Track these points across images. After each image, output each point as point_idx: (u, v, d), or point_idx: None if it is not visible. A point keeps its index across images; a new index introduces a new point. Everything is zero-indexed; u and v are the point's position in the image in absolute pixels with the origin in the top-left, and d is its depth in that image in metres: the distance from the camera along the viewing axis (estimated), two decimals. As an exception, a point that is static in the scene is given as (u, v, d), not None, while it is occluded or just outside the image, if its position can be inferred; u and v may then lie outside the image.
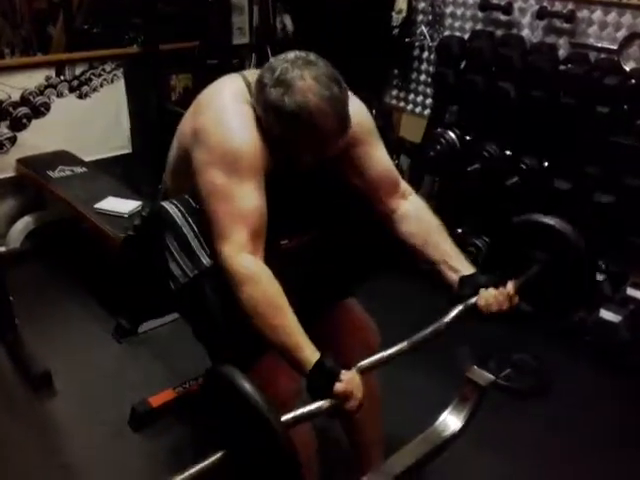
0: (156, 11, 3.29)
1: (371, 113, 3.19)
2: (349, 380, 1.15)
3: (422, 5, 3.08)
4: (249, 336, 1.24)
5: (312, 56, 1.27)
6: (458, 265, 1.42)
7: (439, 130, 2.88)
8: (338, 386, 1.13)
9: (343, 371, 1.16)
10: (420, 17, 3.10)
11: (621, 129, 2.32)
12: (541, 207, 2.51)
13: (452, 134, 2.84)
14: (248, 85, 1.34)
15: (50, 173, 2.86)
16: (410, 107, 3.31)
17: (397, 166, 3.18)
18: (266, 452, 1.03)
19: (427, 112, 3.20)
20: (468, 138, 2.82)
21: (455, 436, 1.52)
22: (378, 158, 1.48)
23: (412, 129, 3.25)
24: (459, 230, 2.88)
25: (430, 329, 1.34)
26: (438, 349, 2.29)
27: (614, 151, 2.36)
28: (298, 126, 1.25)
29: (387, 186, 1.49)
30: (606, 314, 2.44)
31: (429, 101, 3.19)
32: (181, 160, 1.39)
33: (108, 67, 3.25)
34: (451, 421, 1.54)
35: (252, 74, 1.35)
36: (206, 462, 1.07)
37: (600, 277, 2.55)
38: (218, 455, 1.07)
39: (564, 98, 2.43)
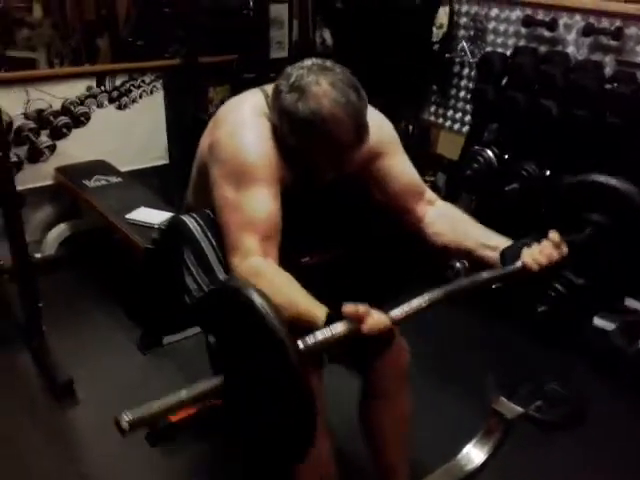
0: (198, 24, 3.33)
1: (407, 129, 3.18)
2: (358, 305, 1.05)
3: (464, 20, 3.02)
4: None
5: (329, 62, 1.25)
6: (495, 243, 1.32)
7: (477, 148, 2.80)
8: (348, 306, 1.04)
9: None
10: (461, 32, 3.04)
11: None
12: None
13: (490, 152, 2.75)
14: (267, 98, 1.32)
15: (86, 182, 2.89)
16: (448, 124, 3.24)
17: (434, 183, 3.13)
18: (276, 379, 0.94)
19: (465, 129, 3.12)
20: (506, 157, 2.73)
21: (478, 470, 1.45)
22: (402, 169, 1.45)
23: (450, 146, 3.18)
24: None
25: (467, 280, 1.22)
26: (470, 374, 2.25)
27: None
28: (312, 133, 1.21)
29: (413, 196, 1.45)
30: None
31: (468, 118, 3.12)
32: (200, 175, 1.38)
33: (148, 78, 3.30)
34: (474, 454, 1.47)
35: (272, 87, 1.33)
36: (204, 385, 0.98)
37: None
38: (218, 379, 0.99)
39: (609, 118, 2.33)
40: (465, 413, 2.08)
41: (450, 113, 3.23)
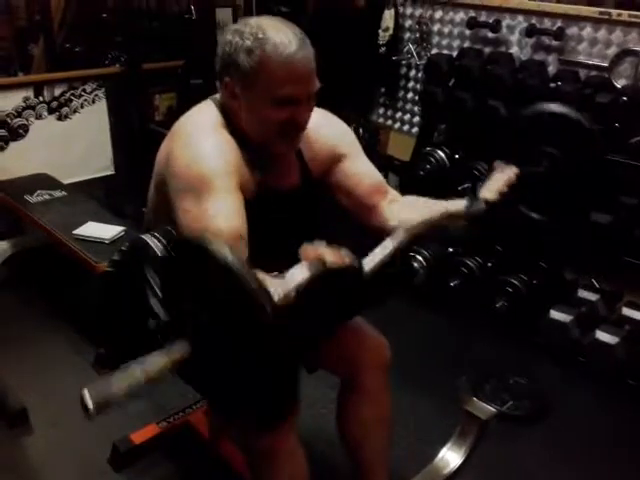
0: (139, 29, 3.24)
1: (358, 131, 3.18)
2: (315, 245, 1.06)
3: (409, 23, 3.05)
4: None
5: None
6: (458, 203, 1.38)
7: (428, 149, 2.83)
8: (305, 249, 1.05)
9: None
10: (407, 35, 3.07)
11: (614, 147, 2.28)
12: (534, 226, 2.51)
13: (441, 153, 2.79)
14: (220, 107, 1.30)
15: (28, 197, 2.77)
16: (398, 125, 3.27)
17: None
18: (252, 336, 0.90)
19: (415, 130, 3.16)
20: (457, 157, 2.77)
21: (455, 472, 1.45)
22: (365, 171, 1.45)
23: (400, 148, 3.20)
24: (450, 250, 2.82)
25: (428, 216, 1.30)
26: (441, 380, 2.26)
27: (608, 169, 2.32)
28: (254, 48, 1.19)
29: (378, 192, 1.45)
30: (602, 335, 2.38)
31: (417, 119, 3.15)
32: (158, 190, 1.34)
33: (89, 87, 3.19)
34: (451, 457, 1.47)
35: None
36: (168, 354, 0.91)
37: (594, 297, 2.51)
38: (182, 344, 0.92)
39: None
40: (434, 415, 2.10)
41: (399, 115, 3.25)
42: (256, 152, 1.29)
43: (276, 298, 0.93)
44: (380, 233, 1.42)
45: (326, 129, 1.41)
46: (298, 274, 1.01)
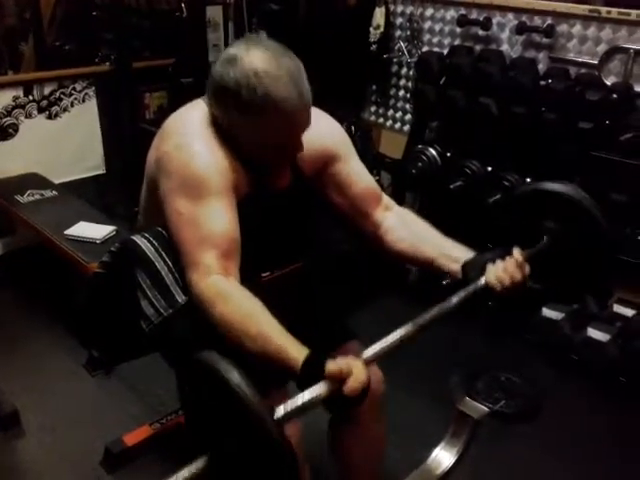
0: (129, 27, 3.21)
1: (350, 129, 3.18)
2: (342, 360, 0.99)
3: (400, 21, 3.05)
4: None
5: (262, 36, 1.22)
6: (457, 253, 1.30)
7: (420, 147, 2.84)
8: (330, 365, 0.97)
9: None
10: (398, 33, 3.07)
11: (604, 144, 2.29)
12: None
13: (433, 151, 2.80)
14: (209, 106, 1.28)
15: (18, 197, 2.74)
16: (389, 123, 3.27)
17: (378, 182, 3.13)
18: (259, 453, 0.88)
19: (407, 128, 3.15)
20: (449, 155, 2.78)
21: (448, 472, 1.46)
22: (358, 174, 1.43)
23: (392, 145, 3.20)
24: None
25: (436, 309, 1.17)
26: (433, 378, 2.27)
27: (597, 166, 2.33)
28: (250, 100, 1.15)
29: (370, 200, 1.42)
30: (594, 333, 2.40)
31: (408, 117, 3.15)
32: (149, 192, 1.32)
33: (79, 86, 3.16)
34: (444, 457, 1.47)
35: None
36: (188, 469, 0.90)
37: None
38: (202, 460, 0.91)
39: (545, 113, 2.40)
40: (428, 413, 2.11)
41: (391, 112, 3.25)
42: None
43: (281, 414, 0.92)
44: (373, 240, 1.43)
45: (319, 129, 1.37)
46: (310, 394, 0.97)
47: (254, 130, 1.20)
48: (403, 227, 1.40)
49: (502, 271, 1.21)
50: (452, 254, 1.31)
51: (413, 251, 1.36)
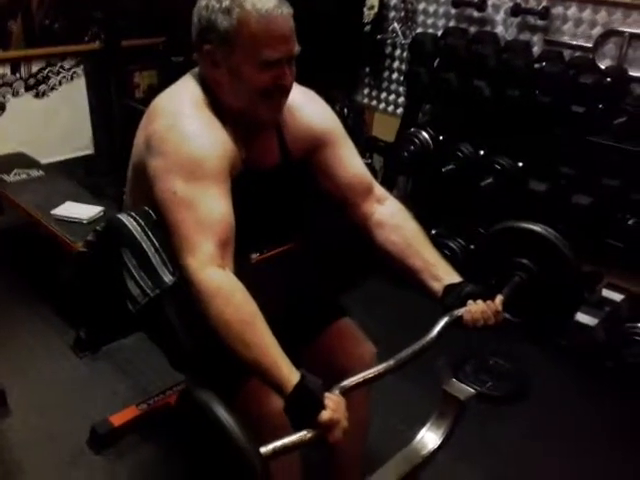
0: (118, 5, 3.16)
1: (342, 112, 3.15)
2: (336, 407, 1.04)
3: (394, 1, 3.01)
4: (225, 356, 1.13)
5: None
6: (442, 273, 1.33)
7: (412, 130, 2.81)
8: (324, 415, 1.02)
9: (327, 394, 1.06)
10: (392, 14, 3.04)
11: (597, 128, 2.28)
12: (516, 208, 2.51)
13: (425, 134, 2.77)
14: (201, 81, 1.26)
15: (4, 177, 2.71)
16: (382, 106, 3.24)
17: (370, 166, 3.12)
18: None
19: (400, 111, 3.13)
20: (442, 138, 2.76)
21: (434, 453, 1.45)
22: (349, 161, 1.40)
23: (385, 128, 3.18)
24: (433, 232, 2.81)
25: (416, 346, 1.25)
26: (421, 360, 2.26)
27: (590, 151, 2.32)
28: (228, 22, 1.15)
29: (360, 190, 1.40)
30: (582, 317, 2.40)
31: (402, 100, 3.13)
32: (137, 173, 1.29)
33: (67, 64, 3.12)
34: (429, 438, 1.46)
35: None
36: None
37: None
38: None
39: (539, 97, 2.38)
40: (415, 395, 2.11)
41: (384, 95, 3.23)
42: (239, 128, 1.25)
43: (267, 450, 0.97)
44: (362, 230, 1.41)
45: (309, 110, 1.37)
46: (299, 437, 1.02)
47: (238, 46, 1.17)
48: (393, 228, 1.38)
49: (480, 313, 1.27)
50: (437, 272, 1.33)
51: (400, 258, 1.36)
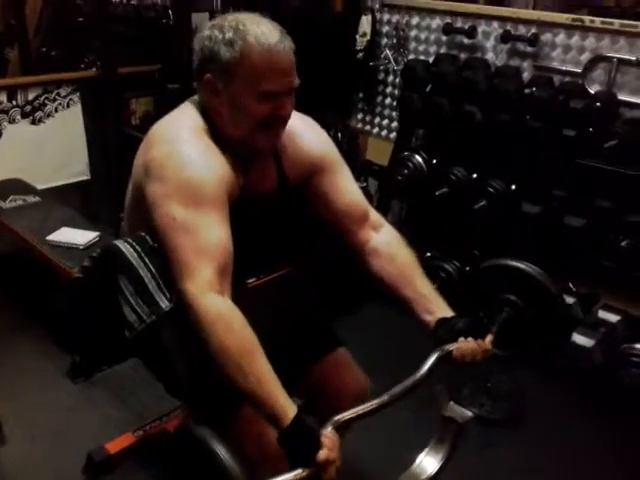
0: (114, 33, 3.20)
1: (337, 136, 3.19)
2: (332, 446, 1.05)
3: (386, 29, 3.07)
4: (222, 383, 1.12)
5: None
6: (433, 307, 1.34)
7: (406, 154, 2.85)
8: (321, 454, 1.03)
9: (323, 432, 1.06)
10: (384, 41, 3.09)
11: (588, 151, 2.32)
12: (509, 231, 2.54)
13: (419, 158, 2.80)
14: (201, 109, 1.27)
15: (1, 203, 2.72)
16: (376, 130, 3.28)
17: (365, 189, 3.14)
18: None
19: (393, 135, 3.17)
20: (435, 162, 2.79)
21: (434, 478, 1.44)
22: (345, 187, 1.41)
23: (379, 152, 3.21)
24: (428, 254, 2.83)
25: (409, 381, 1.27)
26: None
27: (582, 173, 2.35)
28: (230, 54, 1.18)
29: (356, 217, 1.40)
30: (579, 338, 2.40)
31: (395, 124, 3.17)
32: (135, 199, 1.30)
33: (63, 91, 3.14)
34: (429, 462, 1.46)
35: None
36: None
37: (570, 300, 2.53)
38: None
39: (530, 121, 2.42)
40: (413, 418, 2.10)
41: (377, 120, 3.27)
42: (237, 155, 1.26)
43: None
44: (357, 257, 1.42)
45: (308, 136, 1.38)
46: (294, 475, 1.03)
47: (238, 77, 1.19)
48: (388, 256, 1.38)
49: (469, 351, 1.30)
50: (429, 305, 1.35)
51: (393, 288, 1.37)
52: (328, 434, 1.06)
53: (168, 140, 1.23)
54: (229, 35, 1.19)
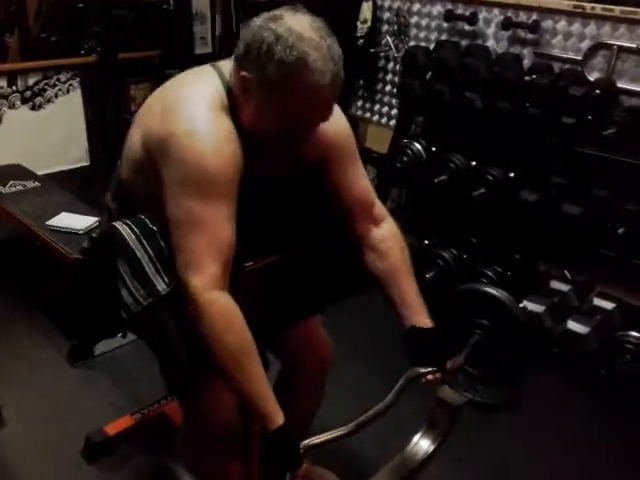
0: (114, 18, 3.20)
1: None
2: (306, 475, 1.13)
3: (387, 15, 3.06)
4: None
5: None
6: (410, 312, 1.38)
7: (405, 141, 2.84)
8: (300, 473, 1.12)
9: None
10: (385, 27, 3.08)
11: (587, 139, 2.31)
12: (508, 218, 2.54)
13: (418, 145, 2.80)
14: (226, 85, 1.20)
15: (0, 188, 2.72)
16: (376, 118, 3.28)
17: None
18: None
19: (393, 123, 3.16)
20: (434, 149, 2.79)
21: (426, 460, 1.46)
22: (353, 178, 1.38)
23: (378, 140, 3.21)
24: (426, 242, 2.84)
25: (375, 409, 1.31)
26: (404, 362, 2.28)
27: (581, 161, 2.35)
28: (283, 58, 1.09)
29: (359, 209, 1.40)
30: (574, 325, 2.42)
31: (395, 112, 3.16)
32: (143, 161, 1.24)
33: (63, 77, 3.14)
34: (422, 445, 1.47)
35: (227, 65, 1.22)
36: None
37: (565, 287, 2.54)
38: None
39: (530, 109, 2.41)
40: (408, 402, 2.12)
41: (377, 107, 3.26)
42: (253, 137, 1.21)
43: None
44: (354, 246, 1.44)
45: (332, 119, 1.27)
46: None
47: (276, 96, 1.14)
48: (383, 255, 1.39)
49: (436, 380, 1.39)
50: (406, 311, 1.39)
51: (382, 284, 1.40)
52: (305, 467, 1.14)
53: (190, 116, 1.15)
54: (283, 56, 1.09)
